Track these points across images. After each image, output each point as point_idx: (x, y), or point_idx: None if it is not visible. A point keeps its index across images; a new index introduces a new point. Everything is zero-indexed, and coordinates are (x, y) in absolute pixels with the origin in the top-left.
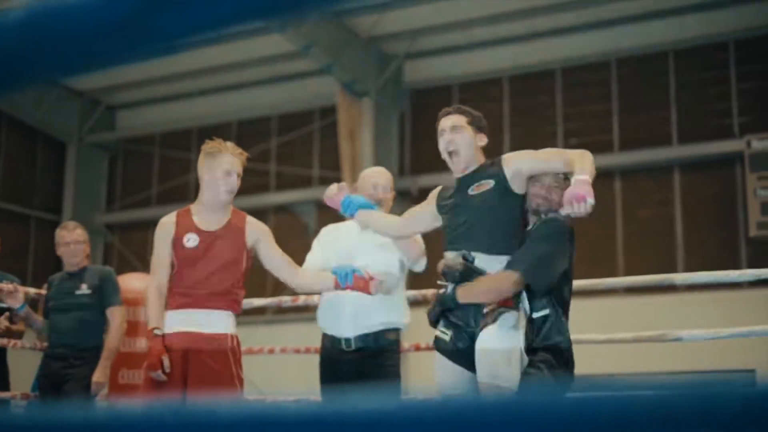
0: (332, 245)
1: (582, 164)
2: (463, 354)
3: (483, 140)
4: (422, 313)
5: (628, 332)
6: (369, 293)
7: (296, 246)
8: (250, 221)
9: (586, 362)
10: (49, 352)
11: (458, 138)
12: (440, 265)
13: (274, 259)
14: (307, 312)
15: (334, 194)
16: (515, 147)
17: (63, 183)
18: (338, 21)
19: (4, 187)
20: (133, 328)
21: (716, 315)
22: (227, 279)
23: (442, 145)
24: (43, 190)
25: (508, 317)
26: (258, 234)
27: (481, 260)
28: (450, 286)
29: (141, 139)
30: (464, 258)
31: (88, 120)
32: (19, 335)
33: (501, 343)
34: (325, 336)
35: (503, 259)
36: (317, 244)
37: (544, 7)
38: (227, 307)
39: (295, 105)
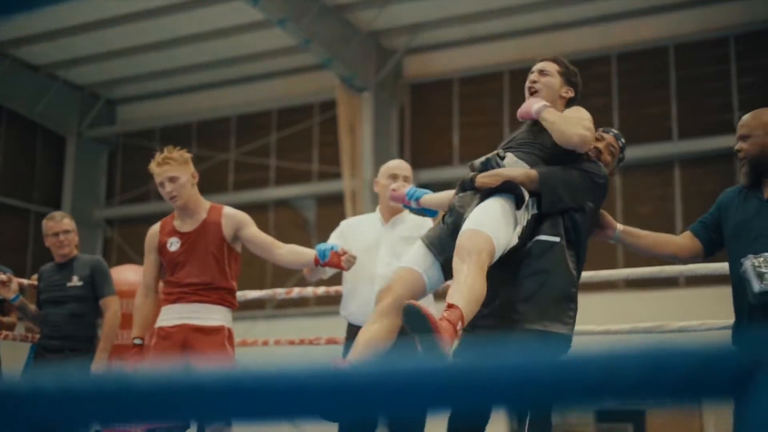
0: (355, 238)
1: (558, 116)
2: (442, 237)
3: (569, 93)
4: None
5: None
6: (343, 269)
7: (296, 240)
8: (227, 213)
9: None
10: (43, 344)
11: (542, 80)
12: None
13: (256, 241)
14: (307, 306)
15: (398, 188)
16: None
17: (62, 177)
18: (338, 15)
19: (4, 182)
20: (127, 320)
21: (717, 309)
22: (213, 274)
23: (527, 84)
24: (43, 185)
25: (507, 196)
26: (235, 223)
27: (509, 159)
28: (473, 174)
29: (141, 134)
30: (498, 154)
31: (88, 114)
32: (10, 327)
33: (496, 202)
34: (351, 326)
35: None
36: (335, 237)
37: (544, 1)
38: (220, 302)
39: (295, 99)
